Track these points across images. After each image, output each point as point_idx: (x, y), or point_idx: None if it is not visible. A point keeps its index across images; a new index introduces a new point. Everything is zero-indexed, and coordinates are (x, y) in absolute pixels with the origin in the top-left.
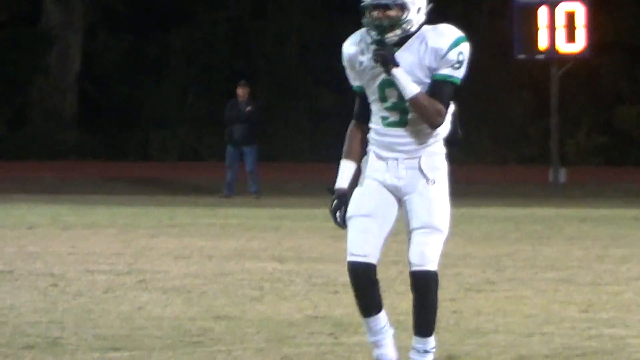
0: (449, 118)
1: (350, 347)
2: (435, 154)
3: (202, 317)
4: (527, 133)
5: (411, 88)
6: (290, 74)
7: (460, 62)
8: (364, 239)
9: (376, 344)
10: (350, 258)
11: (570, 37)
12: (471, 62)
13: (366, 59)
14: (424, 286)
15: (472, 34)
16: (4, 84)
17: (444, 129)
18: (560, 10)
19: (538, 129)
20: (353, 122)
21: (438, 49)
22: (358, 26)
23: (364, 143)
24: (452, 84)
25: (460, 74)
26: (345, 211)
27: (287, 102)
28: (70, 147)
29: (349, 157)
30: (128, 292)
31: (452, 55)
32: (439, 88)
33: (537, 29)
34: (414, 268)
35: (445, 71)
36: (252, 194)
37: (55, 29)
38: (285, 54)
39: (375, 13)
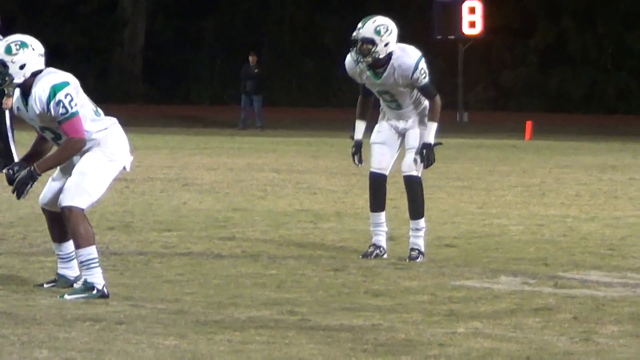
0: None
1: (324, 231)
2: (423, 112)
3: (225, 209)
4: (442, 88)
5: (434, 127)
6: (285, 47)
7: (424, 74)
8: (380, 158)
9: (374, 233)
10: (371, 169)
11: (471, 25)
12: (406, 40)
13: (365, 76)
14: (411, 186)
15: (406, 22)
16: (94, 52)
17: (425, 102)
18: (465, 6)
19: (450, 85)
20: (360, 97)
21: (405, 75)
22: (334, 16)
23: (369, 108)
24: (428, 83)
25: (427, 77)
26: (361, 154)
27: (282, 67)
28: (137, 95)
29: (360, 118)
30: (176, 192)
31: (417, 75)
32: (425, 91)
33: (449, 18)
34: (404, 174)
35: (421, 83)
36: (258, 127)
37: (127, 15)
38: (282, 33)
39: (359, 44)
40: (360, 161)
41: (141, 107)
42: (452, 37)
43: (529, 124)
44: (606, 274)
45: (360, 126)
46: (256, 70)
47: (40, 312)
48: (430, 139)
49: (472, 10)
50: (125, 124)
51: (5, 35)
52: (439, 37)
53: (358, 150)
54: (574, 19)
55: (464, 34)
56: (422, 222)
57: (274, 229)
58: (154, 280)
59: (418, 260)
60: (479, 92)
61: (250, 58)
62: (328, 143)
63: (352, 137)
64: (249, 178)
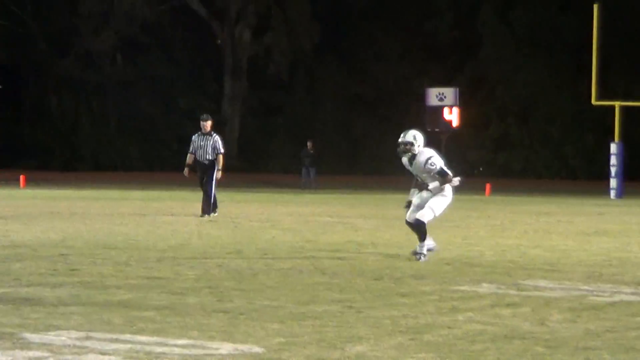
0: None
1: (366, 254)
2: (441, 187)
3: (300, 241)
4: None
5: (435, 185)
6: (328, 136)
7: (433, 165)
8: (410, 213)
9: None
10: (406, 219)
11: (450, 122)
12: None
13: (409, 165)
14: (417, 224)
15: (409, 118)
16: None
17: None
18: (447, 110)
19: None
20: (414, 178)
21: (421, 166)
22: (362, 116)
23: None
24: (439, 169)
25: (438, 166)
26: (409, 207)
27: (328, 149)
28: (234, 166)
29: (414, 188)
30: (267, 229)
31: (428, 166)
32: (439, 174)
33: (436, 117)
34: (416, 217)
35: (433, 170)
36: (313, 188)
37: (227, 116)
38: (326, 126)
39: (401, 146)
40: (408, 207)
41: (236, 175)
42: (437, 129)
43: (488, 185)
44: (550, 282)
45: (413, 192)
46: (312, 151)
47: (190, 306)
48: (432, 188)
49: (450, 112)
50: (226, 186)
51: None
52: (429, 129)
53: (408, 205)
54: (515, 118)
55: (446, 126)
56: (425, 243)
57: (333, 253)
58: (260, 285)
59: (418, 258)
60: (455, 165)
61: (308, 144)
62: (359, 198)
63: (408, 200)
64: (313, 221)
